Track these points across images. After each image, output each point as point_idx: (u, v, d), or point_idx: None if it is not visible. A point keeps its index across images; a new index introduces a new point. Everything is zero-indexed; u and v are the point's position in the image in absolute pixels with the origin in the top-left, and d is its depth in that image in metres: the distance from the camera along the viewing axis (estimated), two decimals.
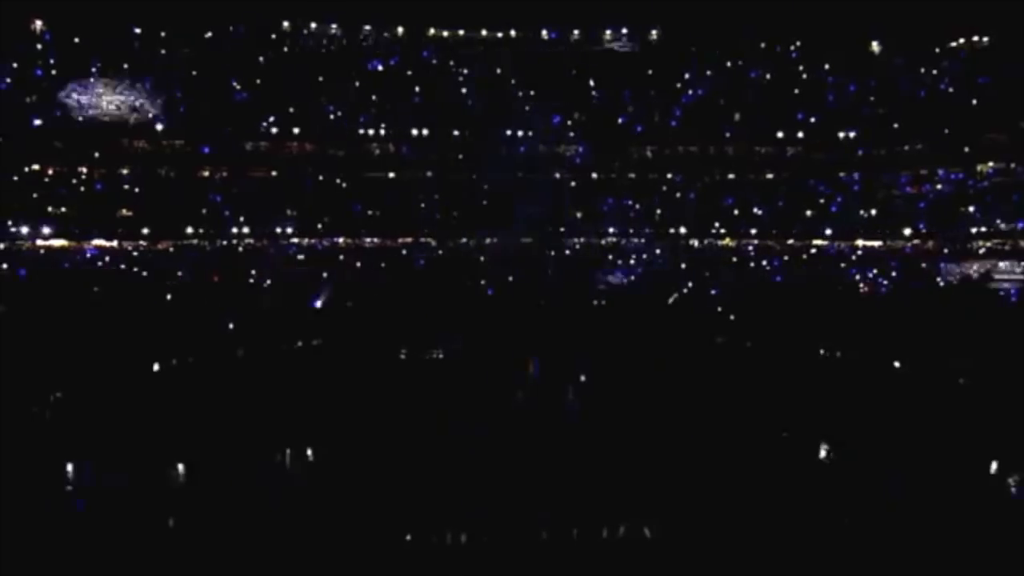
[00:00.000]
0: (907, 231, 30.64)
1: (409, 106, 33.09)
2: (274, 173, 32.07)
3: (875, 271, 29.18)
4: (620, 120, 33.70)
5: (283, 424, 13.04)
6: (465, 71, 34.48)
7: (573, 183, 33.51)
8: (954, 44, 33.68)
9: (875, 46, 34.26)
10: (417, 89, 33.71)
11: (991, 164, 30.54)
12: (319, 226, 31.00)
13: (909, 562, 8.30)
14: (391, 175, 33.32)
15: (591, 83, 34.03)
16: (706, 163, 33.35)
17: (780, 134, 32.65)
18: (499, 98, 33.59)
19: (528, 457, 11.54)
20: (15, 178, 28.20)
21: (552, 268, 31.16)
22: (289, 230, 30.43)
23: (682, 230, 32.03)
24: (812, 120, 32.10)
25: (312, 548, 8.52)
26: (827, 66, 33.70)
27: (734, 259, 30.62)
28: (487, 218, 31.62)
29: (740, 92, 33.25)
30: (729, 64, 33.60)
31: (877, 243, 31.14)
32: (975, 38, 33.40)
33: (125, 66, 30.13)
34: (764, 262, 30.31)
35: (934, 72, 32.62)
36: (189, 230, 29.61)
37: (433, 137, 33.11)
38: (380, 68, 34.92)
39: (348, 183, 32.55)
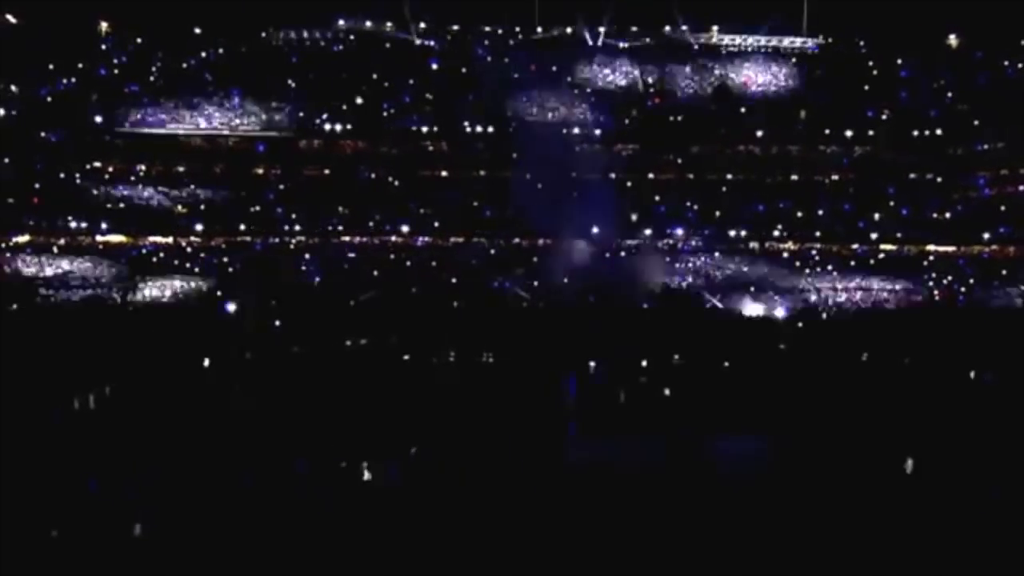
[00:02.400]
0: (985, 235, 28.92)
1: (463, 104, 32.71)
2: (327, 171, 32.14)
3: (949, 277, 27.58)
4: (676, 119, 32.65)
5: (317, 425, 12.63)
6: (518, 69, 33.95)
7: (628, 183, 32.74)
8: None
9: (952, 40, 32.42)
10: (470, 87, 33.32)
11: None
12: (371, 224, 30.85)
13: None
14: (444, 173, 33.02)
15: (648, 80, 33.07)
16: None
17: (848, 133, 31.10)
18: (556, 96, 33.02)
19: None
20: (76, 175, 28.92)
21: (608, 270, 30.40)
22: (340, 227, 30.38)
23: (742, 232, 30.85)
24: (883, 118, 30.48)
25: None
26: (899, 61, 32.00)
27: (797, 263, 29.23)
28: (539, 218, 31.04)
29: (805, 90, 31.81)
30: (795, 61, 32.20)
31: (951, 248, 29.44)
32: None
33: (184, 65, 30.59)
34: (829, 266, 28.86)
35: (1019, 66, 30.63)
36: (242, 227, 29.92)
37: (487, 136, 32.68)
38: (435, 67, 34.69)
39: (400, 181, 32.33)
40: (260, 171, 31.63)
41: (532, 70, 33.36)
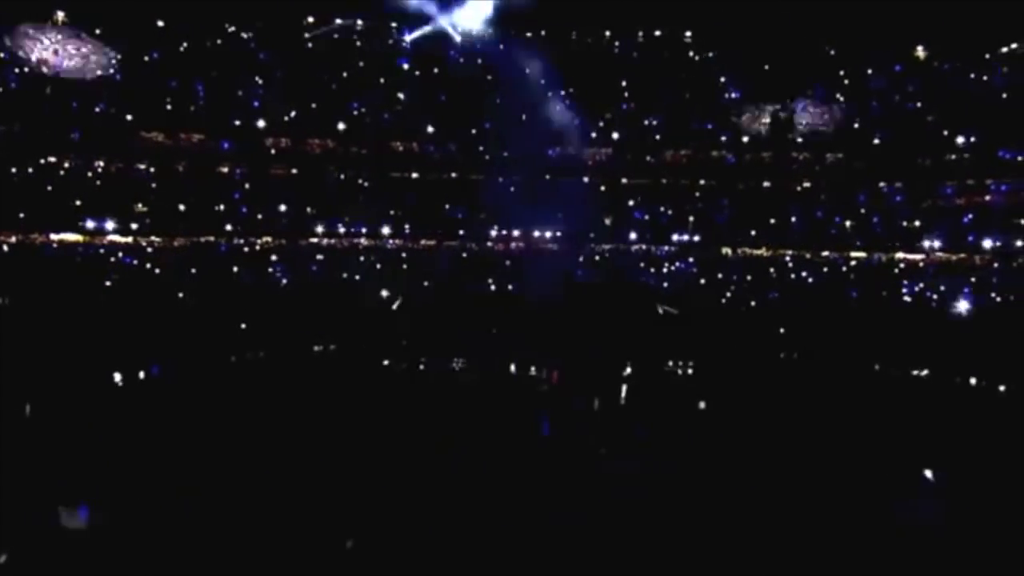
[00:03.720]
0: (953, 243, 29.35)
1: (435, 105, 32.14)
2: (294, 171, 31.29)
3: (919, 284, 28.00)
4: (650, 122, 32.51)
5: (287, 431, 11.98)
6: (492, 70, 33.47)
7: (602, 187, 32.54)
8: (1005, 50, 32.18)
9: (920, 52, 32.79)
10: (443, 87, 32.74)
11: None
12: (339, 226, 30.16)
13: None
14: (415, 175, 32.44)
15: (622, 83, 32.81)
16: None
17: (820, 141, 31.32)
18: (526, 98, 32.62)
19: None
20: (29, 170, 27.66)
21: (579, 275, 30.27)
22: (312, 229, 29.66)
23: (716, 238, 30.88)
24: (855, 125, 30.75)
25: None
26: (869, 71, 32.26)
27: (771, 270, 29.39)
28: (513, 221, 30.73)
29: (779, 96, 31.90)
30: (767, 67, 32.25)
31: (920, 256, 29.85)
32: None
33: (146, 59, 29.41)
34: (802, 272, 29.07)
35: (984, 79, 31.11)
36: (206, 227, 28.89)
37: (458, 137, 32.21)
38: (406, 66, 34.03)
39: (371, 182, 31.68)
40: (224, 170, 30.67)
41: (507, 71, 32.88)
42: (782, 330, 24.58)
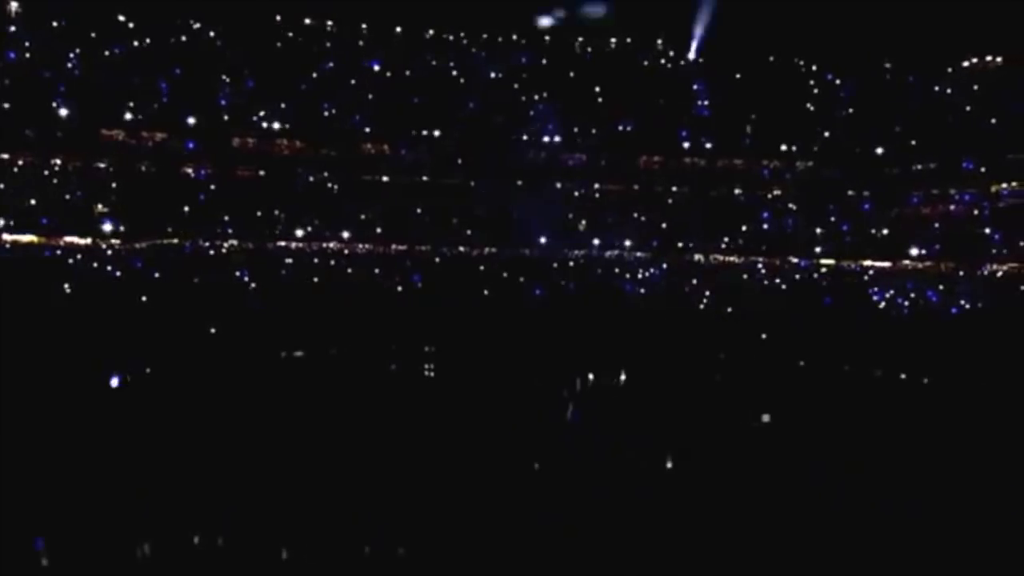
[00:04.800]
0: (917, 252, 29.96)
1: (407, 107, 31.72)
2: (262, 172, 30.56)
3: (887, 292, 28.39)
4: (625, 128, 32.58)
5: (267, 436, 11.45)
6: (466, 74, 33.21)
7: (576, 193, 32.52)
8: (966, 64, 33.10)
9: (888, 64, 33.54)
10: (415, 90, 32.35)
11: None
12: (308, 229, 29.51)
13: None
14: (385, 179, 31.94)
15: (595, 89, 32.85)
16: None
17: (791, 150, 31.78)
18: (499, 102, 32.46)
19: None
20: None
21: (552, 281, 30.07)
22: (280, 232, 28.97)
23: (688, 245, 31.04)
24: (825, 135, 31.25)
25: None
26: (839, 81, 32.87)
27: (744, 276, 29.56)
28: (486, 227, 30.42)
29: (749, 104, 32.24)
30: (739, 76, 32.60)
31: (887, 263, 30.36)
32: (988, 58, 32.88)
33: (107, 54, 28.44)
34: (776, 280, 29.30)
35: (948, 91, 31.92)
36: (169, 229, 27.96)
37: (431, 140, 31.83)
38: (376, 68, 33.56)
39: (340, 184, 31.10)
40: (189, 170, 29.77)
41: (481, 74, 32.68)
42: (753, 335, 24.73)
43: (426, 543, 8.41)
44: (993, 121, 29.54)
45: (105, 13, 28.64)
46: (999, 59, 32.22)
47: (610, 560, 7.99)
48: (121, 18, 29.70)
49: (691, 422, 14.21)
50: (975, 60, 32.79)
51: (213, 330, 19.40)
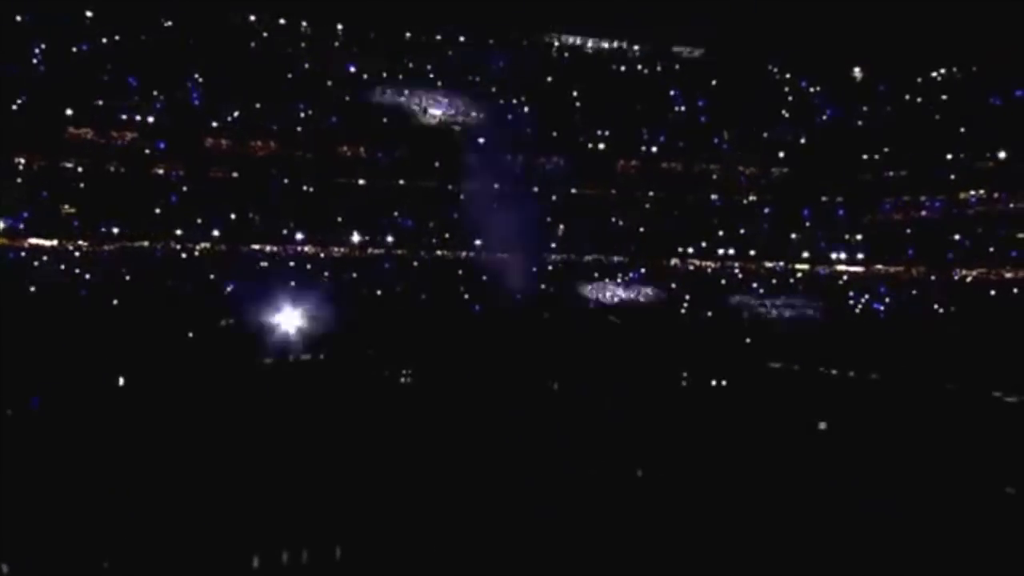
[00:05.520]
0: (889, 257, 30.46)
1: (383, 109, 31.40)
2: (235, 174, 29.94)
3: (865, 296, 28.90)
4: (603, 133, 32.62)
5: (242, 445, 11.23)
6: (443, 76, 32.98)
7: (552, 197, 32.41)
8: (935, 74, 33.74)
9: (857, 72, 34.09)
10: (392, 92, 32.03)
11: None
12: (283, 232, 28.99)
13: None
14: (361, 181, 31.53)
15: (574, 93, 32.84)
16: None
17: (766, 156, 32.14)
18: (477, 105, 32.28)
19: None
20: None
21: (530, 284, 29.97)
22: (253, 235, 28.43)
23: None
24: (800, 142, 31.65)
25: None
26: (812, 89, 33.31)
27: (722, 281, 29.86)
28: (464, 231, 30.21)
29: (726, 111, 32.51)
30: (715, 82, 32.85)
31: (860, 268, 30.82)
32: (954, 69, 33.56)
33: (74, 50, 27.68)
34: (752, 284, 29.65)
35: (918, 100, 32.51)
36: (138, 232, 27.26)
37: (407, 143, 31.53)
38: (352, 70, 33.17)
39: (315, 187, 30.62)
40: (160, 171, 29.07)
41: (456, 76, 32.47)
42: (729, 337, 25.00)
43: (416, 543, 8.26)
44: (962, 130, 30.12)
45: (73, 8, 27.86)
46: (970, 69, 32.95)
47: (593, 563, 7.91)
48: (89, 14, 28.98)
49: (669, 425, 14.30)
50: (943, 71, 33.48)
51: (188, 334, 19.04)
